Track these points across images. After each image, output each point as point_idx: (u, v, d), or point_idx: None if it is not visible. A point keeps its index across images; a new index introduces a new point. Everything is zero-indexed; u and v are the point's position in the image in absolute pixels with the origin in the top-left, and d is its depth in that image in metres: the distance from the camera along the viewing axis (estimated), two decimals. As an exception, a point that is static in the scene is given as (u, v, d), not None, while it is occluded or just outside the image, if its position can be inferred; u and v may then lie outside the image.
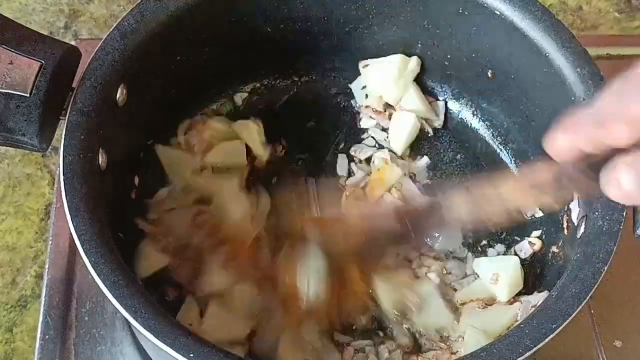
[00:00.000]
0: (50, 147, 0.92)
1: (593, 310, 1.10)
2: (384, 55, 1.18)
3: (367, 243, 0.94)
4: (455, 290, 1.06)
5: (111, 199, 0.96)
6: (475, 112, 1.20)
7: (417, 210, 0.88)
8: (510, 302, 1.03)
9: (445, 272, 1.08)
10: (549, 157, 0.71)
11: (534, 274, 1.07)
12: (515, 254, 1.09)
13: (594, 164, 0.65)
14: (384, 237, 0.93)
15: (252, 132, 1.16)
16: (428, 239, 0.97)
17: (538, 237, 1.09)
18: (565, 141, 0.67)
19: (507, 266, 1.05)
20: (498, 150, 1.19)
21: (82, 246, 0.81)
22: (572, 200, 0.98)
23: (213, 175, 1.12)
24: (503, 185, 0.77)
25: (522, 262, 1.07)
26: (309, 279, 0.97)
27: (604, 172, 0.64)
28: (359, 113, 1.21)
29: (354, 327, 1.02)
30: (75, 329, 1.07)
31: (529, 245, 1.09)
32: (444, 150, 1.20)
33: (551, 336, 0.79)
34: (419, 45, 1.14)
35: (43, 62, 0.87)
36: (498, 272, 1.04)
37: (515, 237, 1.11)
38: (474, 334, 0.99)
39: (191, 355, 0.75)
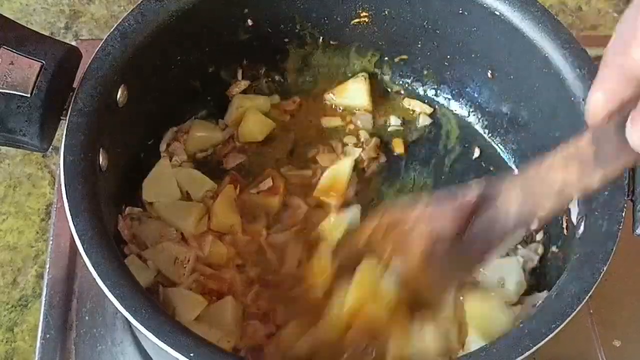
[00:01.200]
0: (51, 147, 0.92)
1: (592, 310, 1.10)
2: (384, 56, 1.19)
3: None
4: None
5: (112, 199, 0.97)
6: (474, 112, 1.20)
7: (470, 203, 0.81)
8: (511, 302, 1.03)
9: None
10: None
11: (534, 274, 1.07)
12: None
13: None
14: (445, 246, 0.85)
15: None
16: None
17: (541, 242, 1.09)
18: (600, 94, 0.69)
19: (511, 269, 1.05)
20: (498, 150, 1.19)
21: (82, 246, 0.81)
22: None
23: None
24: (549, 164, 0.76)
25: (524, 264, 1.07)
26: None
27: (630, 118, 0.65)
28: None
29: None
30: (76, 329, 1.07)
31: (533, 252, 1.09)
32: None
33: (551, 336, 0.79)
34: (419, 45, 1.14)
35: (44, 62, 0.87)
36: (503, 276, 1.04)
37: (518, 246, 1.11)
38: (474, 334, 0.99)
39: (191, 354, 0.75)
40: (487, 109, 1.18)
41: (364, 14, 1.12)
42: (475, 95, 1.18)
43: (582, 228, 0.91)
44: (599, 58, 0.70)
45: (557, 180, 0.75)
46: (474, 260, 0.86)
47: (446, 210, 0.84)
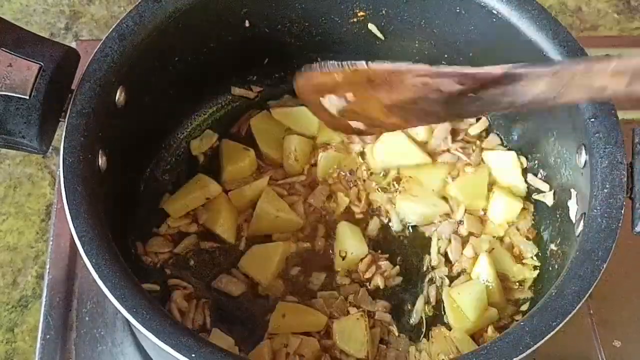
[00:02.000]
0: (52, 147, 0.92)
1: (592, 310, 1.10)
2: (381, 54, 1.19)
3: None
4: None
5: (112, 199, 0.97)
6: (473, 112, 1.20)
7: (485, 75, 0.77)
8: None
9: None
10: None
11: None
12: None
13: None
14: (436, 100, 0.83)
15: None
16: None
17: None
18: None
19: None
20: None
21: (82, 247, 0.81)
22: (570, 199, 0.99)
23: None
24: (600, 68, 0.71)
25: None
26: None
27: None
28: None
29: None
30: (76, 329, 1.07)
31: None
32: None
33: (551, 333, 0.79)
34: (416, 44, 1.14)
35: (42, 64, 0.87)
36: None
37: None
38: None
39: (192, 355, 0.76)
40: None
41: (361, 13, 1.12)
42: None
43: (581, 226, 0.91)
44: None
45: (603, 83, 0.71)
46: (464, 113, 0.89)
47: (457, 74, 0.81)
